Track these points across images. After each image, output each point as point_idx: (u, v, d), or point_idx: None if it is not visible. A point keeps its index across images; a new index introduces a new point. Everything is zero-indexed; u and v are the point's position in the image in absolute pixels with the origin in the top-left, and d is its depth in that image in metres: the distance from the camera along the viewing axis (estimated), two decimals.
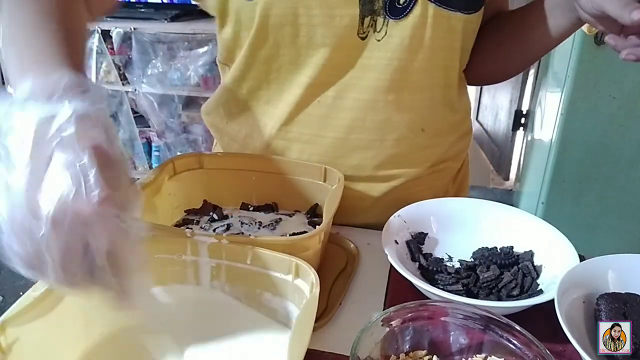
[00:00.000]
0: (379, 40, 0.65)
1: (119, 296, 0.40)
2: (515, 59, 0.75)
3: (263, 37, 0.66)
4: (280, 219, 0.72)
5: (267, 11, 0.64)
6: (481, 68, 0.78)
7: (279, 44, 0.66)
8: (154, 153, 2.74)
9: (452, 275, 0.61)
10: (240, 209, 0.75)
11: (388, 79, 0.67)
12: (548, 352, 0.44)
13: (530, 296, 0.57)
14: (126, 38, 2.40)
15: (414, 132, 0.72)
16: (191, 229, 0.68)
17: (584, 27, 1.72)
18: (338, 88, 0.68)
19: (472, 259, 0.65)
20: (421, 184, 0.77)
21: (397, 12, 0.64)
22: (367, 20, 0.64)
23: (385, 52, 0.66)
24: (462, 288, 0.59)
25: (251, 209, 0.74)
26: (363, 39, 0.65)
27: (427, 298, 0.57)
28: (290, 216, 0.73)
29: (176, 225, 0.69)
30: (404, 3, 0.63)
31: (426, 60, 0.67)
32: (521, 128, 2.53)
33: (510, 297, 0.59)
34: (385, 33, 0.65)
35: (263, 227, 0.70)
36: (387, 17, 0.64)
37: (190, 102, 2.54)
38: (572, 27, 0.65)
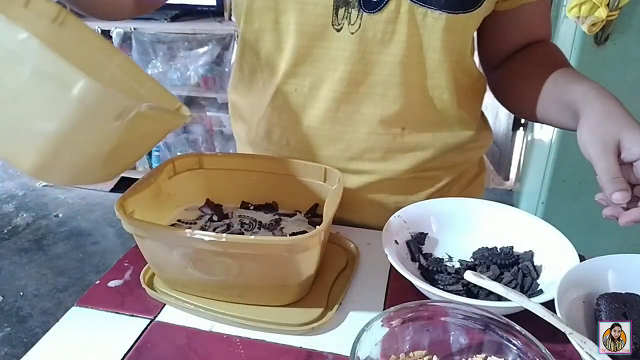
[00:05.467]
0: (352, 33, 0.65)
1: None
2: (524, 103, 0.73)
3: (250, 21, 0.69)
4: (280, 219, 0.72)
5: None
6: (498, 88, 0.78)
7: (262, 29, 0.69)
8: (154, 153, 2.74)
9: (452, 275, 0.61)
10: (241, 207, 0.75)
11: (361, 72, 0.67)
12: (548, 352, 0.44)
13: (530, 296, 0.57)
14: (126, 38, 2.40)
15: (390, 128, 0.71)
16: (191, 228, 0.68)
17: (584, 27, 1.71)
18: (313, 79, 0.69)
19: (472, 259, 0.65)
20: (398, 188, 0.76)
21: (372, 5, 0.64)
22: (341, 11, 0.65)
23: (358, 45, 0.66)
24: (462, 288, 0.59)
25: (251, 207, 0.74)
26: (338, 30, 0.66)
27: (427, 298, 0.57)
28: (290, 216, 0.73)
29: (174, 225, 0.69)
30: None
31: (400, 55, 0.66)
32: (521, 128, 2.53)
33: None
34: (359, 26, 0.65)
35: (263, 227, 0.70)
36: (361, 10, 0.64)
37: (190, 102, 2.55)
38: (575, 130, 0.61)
